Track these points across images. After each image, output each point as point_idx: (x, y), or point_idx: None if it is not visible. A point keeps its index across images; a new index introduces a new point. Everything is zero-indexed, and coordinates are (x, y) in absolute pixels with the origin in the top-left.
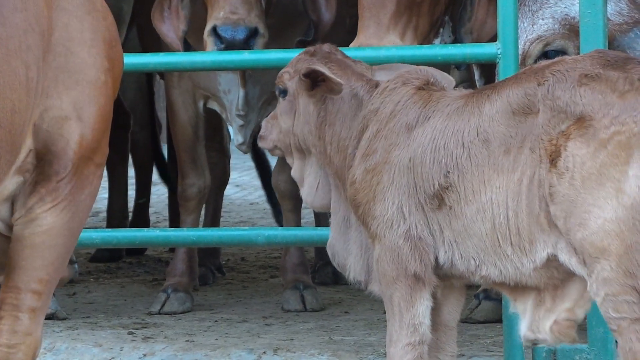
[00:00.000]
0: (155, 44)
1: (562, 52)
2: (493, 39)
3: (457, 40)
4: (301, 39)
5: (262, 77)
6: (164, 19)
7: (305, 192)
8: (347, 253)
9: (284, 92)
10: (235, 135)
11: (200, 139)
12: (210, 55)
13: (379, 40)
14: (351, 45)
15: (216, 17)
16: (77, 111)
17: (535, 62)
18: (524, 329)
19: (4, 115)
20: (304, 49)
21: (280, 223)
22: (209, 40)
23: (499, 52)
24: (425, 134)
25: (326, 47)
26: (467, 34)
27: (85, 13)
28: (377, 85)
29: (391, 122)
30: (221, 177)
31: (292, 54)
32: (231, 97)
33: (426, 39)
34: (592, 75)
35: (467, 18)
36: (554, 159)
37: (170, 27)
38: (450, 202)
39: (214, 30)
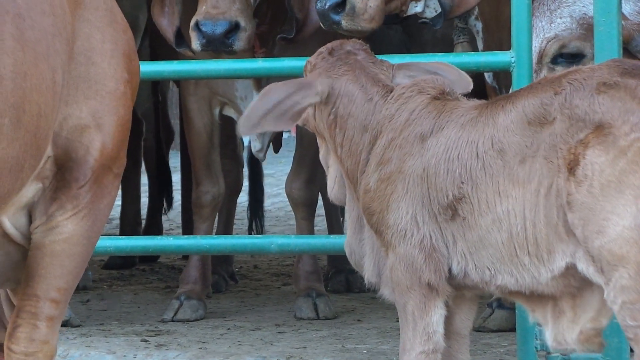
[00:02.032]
0: (167, 52)
1: (578, 54)
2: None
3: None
4: (282, 35)
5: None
6: (163, 13)
7: (328, 184)
8: (362, 252)
9: None
10: (253, 141)
11: (215, 146)
12: (223, 63)
13: None
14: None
15: (199, 12)
16: (97, 120)
17: (552, 61)
18: (550, 340)
19: (30, 118)
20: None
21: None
22: (192, 35)
23: (513, 61)
24: (439, 144)
25: (349, 45)
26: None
27: (106, 25)
28: (392, 90)
29: (405, 131)
30: (234, 185)
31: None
32: (248, 103)
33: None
34: (610, 83)
35: None
36: (572, 168)
37: (169, 22)
38: (464, 213)
39: (197, 25)
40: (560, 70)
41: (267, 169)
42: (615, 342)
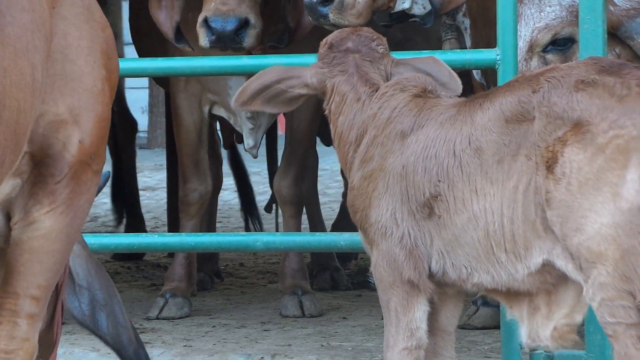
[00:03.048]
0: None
1: (570, 39)
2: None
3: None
4: (273, 44)
5: None
6: (161, 7)
7: None
8: None
9: None
10: (245, 138)
11: (203, 144)
12: (208, 60)
13: None
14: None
15: (207, 8)
16: (74, 117)
17: (544, 50)
18: (524, 337)
19: (10, 114)
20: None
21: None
22: (200, 31)
23: (498, 58)
24: (418, 142)
25: (350, 40)
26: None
27: (83, 22)
28: (377, 89)
29: (387, 129)
30: (215, 183)
31: (291, 60)
32: None
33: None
34: (589, 81)
35: None
36: (550, 165)
37: (167, 16)
38: (439, 211)
39: (205, 21)
40: (552, 58)
41: (254, 166)
42: (598, 338)
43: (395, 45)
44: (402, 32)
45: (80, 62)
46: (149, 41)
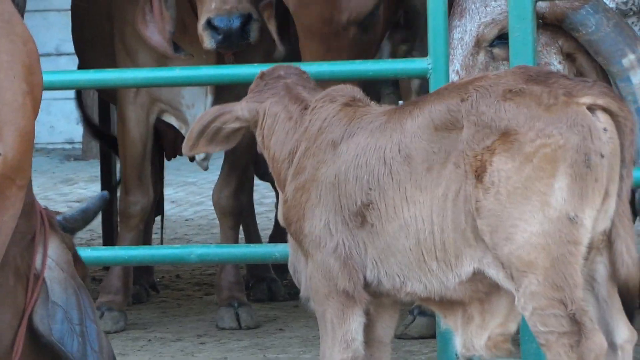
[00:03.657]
0: None
1: None
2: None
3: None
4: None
5: (230, 91)
6: (147, 22)
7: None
8: (301, 270)
9: None
10: None
11: (147, 156)
12: (161, 71)
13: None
14: None
15: (208, 9)
16: None
17: (491, 45)
18: (459, 346)
19: None
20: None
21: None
22: (204, 34)
23: (429, 67)
24: (349, 150)
25: (282, 70)
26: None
27: (1, 36)
28: (307, 106)
29: (319, 140)
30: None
31: (242, 70)
32: (195, 111)
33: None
34: (516, 90)
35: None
36: (479, 174)
37: (154, 29)
38: (372, 219)
39: (209, 23)
40: (499, 52)
41: (190, 177)
42: (534, 347)
43: None
44: None
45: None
46: (92, 52)
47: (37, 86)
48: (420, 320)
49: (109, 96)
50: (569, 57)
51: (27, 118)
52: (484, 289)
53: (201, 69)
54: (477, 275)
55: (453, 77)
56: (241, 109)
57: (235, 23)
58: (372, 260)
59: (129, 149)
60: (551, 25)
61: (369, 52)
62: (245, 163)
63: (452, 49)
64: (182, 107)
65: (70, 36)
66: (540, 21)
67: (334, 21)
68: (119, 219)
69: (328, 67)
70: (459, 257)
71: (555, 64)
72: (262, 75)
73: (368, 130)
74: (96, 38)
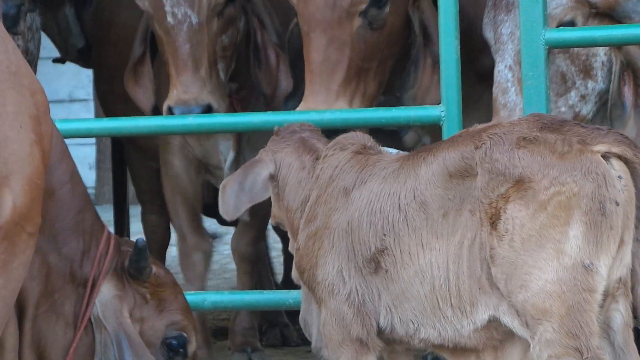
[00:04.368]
0: None
1: (572, 23)
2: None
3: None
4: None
5: (258, 141)
6: (138, 85)
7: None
8: (312, 322)
9: None
10: None
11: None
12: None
13: (327, 106)
14: (297, 109)
15: (170, 97)
16: (1, 180)
17: None
18: None
19: None
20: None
21: None
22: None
23: (442, 115)
24: (362, 197)
25: (296, 126)
26: (410, 100)
27: (8, 88)
28: (319, 156)
29: (330, 187)
30: (163, 239)
31: (256, 117)
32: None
33: (372, 104)
34: (530, 138)
35: (410, 85)
36: (494, 222)
37: (144, 96)
38: (386, 265)
39: (169, 110)
40: None
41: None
42: None
43: None
44: None
45: (5, 128)
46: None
47: (46, 136)
48: None
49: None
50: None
51: (35, 167)
52: (498, 337)
53: (215, 116)
54: (493, 323)
55: (505, 72)
56: (266, 156)
57: (194, 113)
58: (386, 306)
59: (180, 194)
60: (600, 14)
61: (379, 56)
62: (265, 211)
63: (501, 44)
64: (219, 162)
65: (82, 83)
66: (593, 10)
67: (336, 6)
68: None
69: (341, 115)
70: (475, 304)
71: (601, 54)
72: (278, 132)
73: (381, 177)
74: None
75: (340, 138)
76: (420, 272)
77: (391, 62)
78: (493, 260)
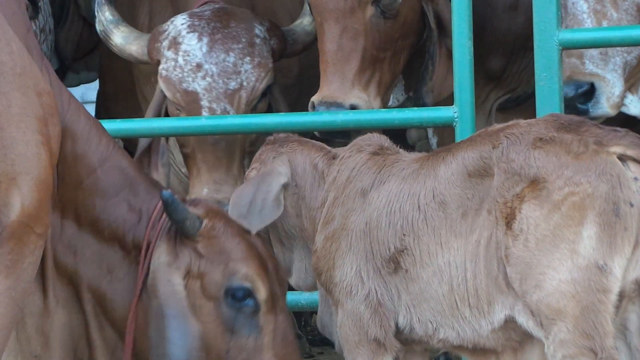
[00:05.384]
0: None
1: None
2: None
3: (417, 97)
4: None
5: None
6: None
7: (294, 277)
8: (332, 324)
9: None
10: None
11: None
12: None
13: (343, 94)
14: (313, 98)
15: (198, 192)
16: (9, 182)
17: None
18: None
19: None
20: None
21: None
22: None
23: (455, 116)
24: (380, 197)
25: (287, 134)
26: (429, 92)
27: (13, 90)
28: (335, 156)
29: (347, 189)
30: None
31: (268, 119)
32: None
33: (387, 94)
34: (547, 138)
35: (428, 77)
36: (509, 221)
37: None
38: (406, 265)
39: None
40: None
41: None
42: None
43: None
44: None
45: (11, 129)
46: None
47: (53, 137)
48: None
49: None
50: None
51: (43, 167)
52: (517, 338)
53: (227, 118)
54: (509, 323)
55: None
56: (278, 164)
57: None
58: (406, 306)
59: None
60: None
61: (394, 46)
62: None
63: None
64: None
65: (94, 84)
66: None
67: None
68: None
69: (353, 116)
70: (492, 304)
71: None
72: (270, 140)
73: (400, 177)
74: (120, 93)
75: (358, 140)
76: (438, 272)
77: (406, 54)
78: (508, 260)
